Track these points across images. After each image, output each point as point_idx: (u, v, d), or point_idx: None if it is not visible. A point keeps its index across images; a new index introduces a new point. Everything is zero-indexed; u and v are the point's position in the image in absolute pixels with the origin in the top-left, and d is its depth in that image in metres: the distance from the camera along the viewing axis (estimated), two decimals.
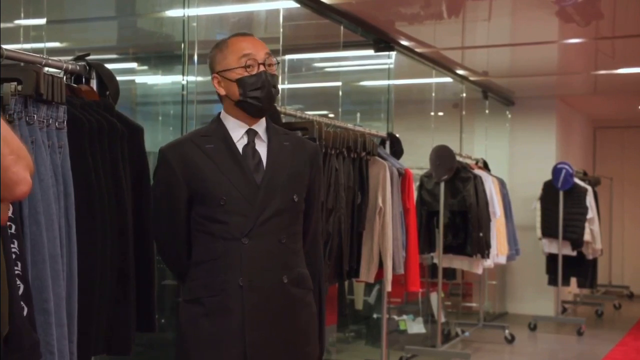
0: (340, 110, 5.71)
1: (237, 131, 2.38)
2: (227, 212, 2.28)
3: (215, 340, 2.28)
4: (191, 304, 2.33)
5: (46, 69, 2.32)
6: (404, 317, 6.65)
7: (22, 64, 2.30)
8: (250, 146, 2.36)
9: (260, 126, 2.41)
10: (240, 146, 2.36)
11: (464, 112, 8.10)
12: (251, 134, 2.38)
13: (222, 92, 2.39)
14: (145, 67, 5.57)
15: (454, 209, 6.21)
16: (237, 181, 2.30)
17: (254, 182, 2.31)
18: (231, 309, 2.27)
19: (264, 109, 2.37)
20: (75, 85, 2.52)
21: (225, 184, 2.29)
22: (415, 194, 5.55)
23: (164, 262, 2.59)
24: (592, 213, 8.10)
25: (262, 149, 2.38)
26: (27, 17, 3.97)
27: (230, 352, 2.27)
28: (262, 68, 2.34)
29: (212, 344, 2.29)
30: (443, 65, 7.20)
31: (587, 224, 8.04)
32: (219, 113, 2.44)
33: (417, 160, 6.52)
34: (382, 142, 4.89)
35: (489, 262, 6.40)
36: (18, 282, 1.95)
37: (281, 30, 4.65)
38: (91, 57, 2.58)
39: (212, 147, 2.34)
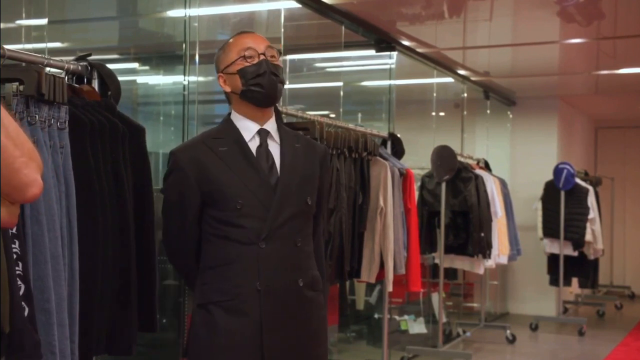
0: (341, 110, 5.70)
1: (248, 131, 2.35)
2: (243, 216, 2.26)
3: (231, 344, 2.26)
4: (205, 308, 2.30)
5: (48, 69, 2.32)
6: (405, 317, 6.64)
7: (23, 64, 2.30)
8: (263, 147, 2.34)
9: (271, 125, 2.38)
10: (252, 147, 2.33)
11: (465, 112, 8.10)
12: (263, 134, 2.35)
13: (228, 89, 2.38)
14: (146, 67, 5.57)
15: (455, 209, 6.20)
16: (252, 185, 2.28)
17: (270, 185, 2.29)
18: (247, 312, 2.25)
19: (268, 96, 2.33)
20: (76, 85, 2.52)
21: (241, 187, 2.27)
22: (416, 194, 5.54)
23: (174, 266, 2.57)
24: (593, 213, 8.09)
25: (274, 150, 2.36)
26: (28, 17, 3.97)
27: (248, 356, 2.25)
28: (262, 57, 2.33)
29: (228, 348, 2.26)
30: (444, 65, 7.20)
31: (588, 224, 8.03)
32: (229, 113, 2.42)
33: (418, 160, 6.52)
34: (384, 142, 4.89)
35: (490, 262, 6.40)
36: (19, 282, 1.95)
37: (282, 30, 4.64)
38: (92, 57, 2.58)
39: (225, 150, 2.31)
